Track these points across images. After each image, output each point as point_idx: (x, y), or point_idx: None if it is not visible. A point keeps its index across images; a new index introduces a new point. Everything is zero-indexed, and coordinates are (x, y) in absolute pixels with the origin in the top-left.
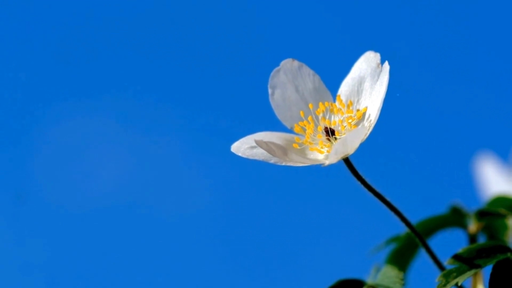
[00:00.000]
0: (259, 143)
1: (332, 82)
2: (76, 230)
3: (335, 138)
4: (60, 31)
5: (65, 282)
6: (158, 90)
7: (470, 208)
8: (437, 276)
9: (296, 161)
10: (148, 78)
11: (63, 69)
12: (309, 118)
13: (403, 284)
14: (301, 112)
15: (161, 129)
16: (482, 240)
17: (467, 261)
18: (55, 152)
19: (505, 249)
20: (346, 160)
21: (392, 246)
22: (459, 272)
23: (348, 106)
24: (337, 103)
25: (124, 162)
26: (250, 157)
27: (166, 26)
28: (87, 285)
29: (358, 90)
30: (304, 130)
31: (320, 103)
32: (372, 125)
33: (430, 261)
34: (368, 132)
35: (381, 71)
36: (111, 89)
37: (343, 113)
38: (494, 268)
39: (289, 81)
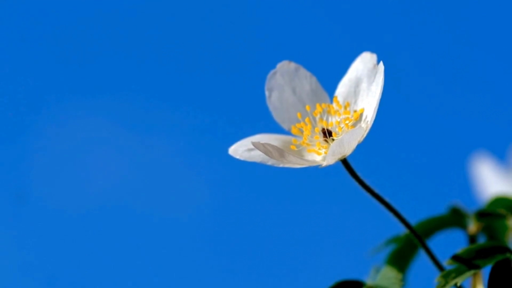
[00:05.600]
0: (256, 145)
1: (329, 83)
2: (74, 230)
3: (333, 139)
4: (58, 32)
5: (65, 283)
6: (156, 91)
7: (470, 208)
8: (437, 277)
9: (293, 163)
10: (146, 79)
11: (60, 69)
12: (307, 119)
13: (403, 285)
14: (298, 114)
15: (159, 131)
16: (482, 240)
17: (466, 262)
18: (53, 153)
19: (504, 249)
20: (344, 161)
21: (392, 247)
22: (458, 273)
23: (345, 107)
24: (334, 104)
25: (122, 162)
26: (248, 160)
27: (163, 27)
28: (86, 285)
29: (355, 91)
30: (302, 131)
31: (317, 105)
32: (369, 126)
33: (429, 261)
34: (365, 133)
35: (377, 71)
36: (109, 90)
37: (340, 114)
38: (493, 269)
39: (286, 83)
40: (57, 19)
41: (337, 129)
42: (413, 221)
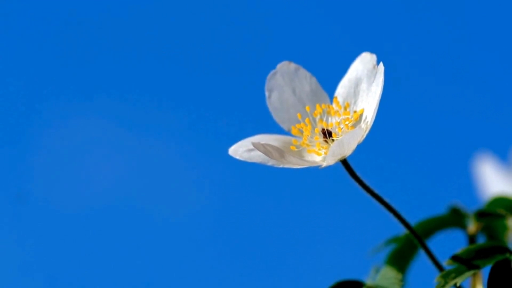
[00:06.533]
0: (256, 146)
1: (329, 84)
2: (74, 230)
3: (332, 140)
4: (58, 32)
5: (65, 283)
6: (156, 92)
7: (470, 208)
8: (436, 277)
9: (293, 163)
10: (146, 80)
11: (60, 70)
12: (306, 120)
13: (402, 285)
14: (298, 115)
15: (159, 131)
16: (481, 240)
17: (466, 262)
18: (53, 153)
19: (504, 249)
20: (344, 162)
21: (392, 247)
22: (458, 273)
23: (345, 108)
24: (334, 105)
25: (122, 163)
26: (248, 160)
27: (163, 27)
28: (86, 285)
29: (354, 91)
30: (302, 132)
31: (317, 105)
32: (369, 126)
33: (429, 261)
34: (365, 134)
35: (377, 72)
36: (108, 90)
37: (340, 115)
38: (492, 269)
39: (286, 84)
40: (57, 20)
41: (337, 130)
42: (413, 221)
